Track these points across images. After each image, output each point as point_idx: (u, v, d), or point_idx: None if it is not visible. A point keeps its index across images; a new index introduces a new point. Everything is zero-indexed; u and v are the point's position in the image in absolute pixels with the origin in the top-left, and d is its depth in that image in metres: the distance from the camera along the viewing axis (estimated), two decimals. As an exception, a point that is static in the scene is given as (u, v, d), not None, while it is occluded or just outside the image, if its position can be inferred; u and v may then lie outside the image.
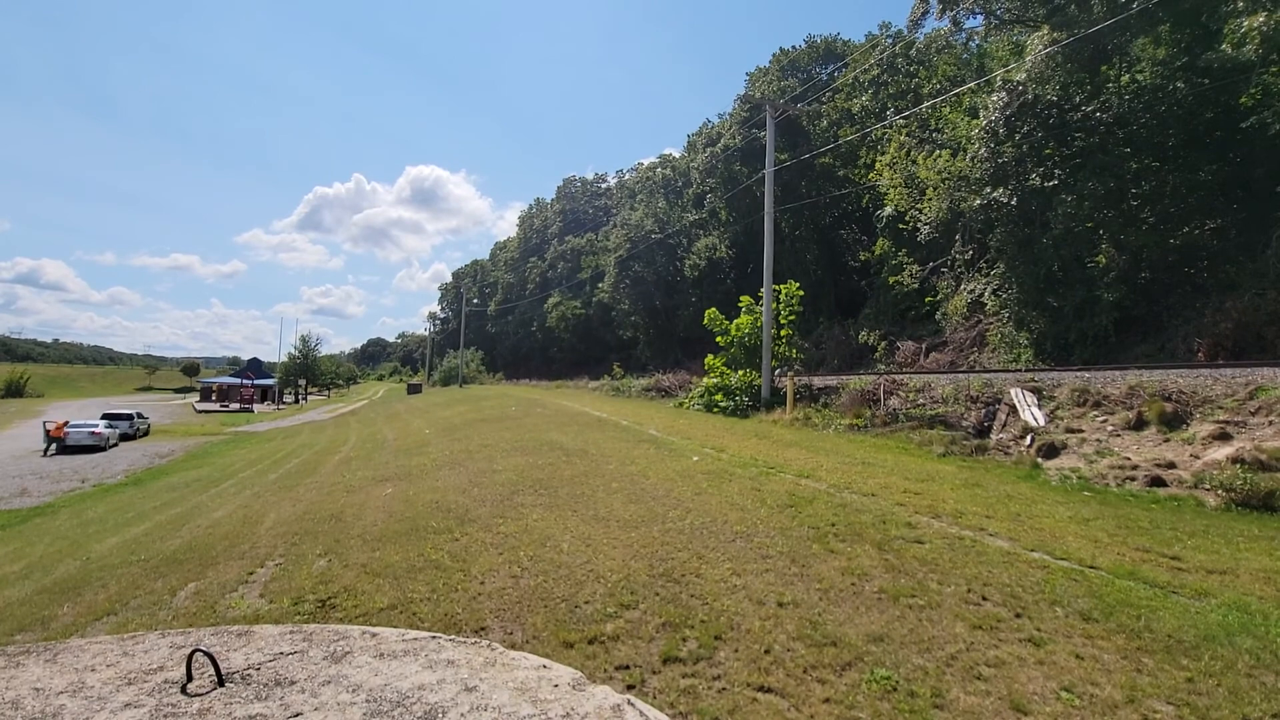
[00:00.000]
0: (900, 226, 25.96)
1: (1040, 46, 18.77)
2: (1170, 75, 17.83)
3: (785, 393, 18.42)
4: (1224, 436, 9.44)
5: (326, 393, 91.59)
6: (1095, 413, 11.50)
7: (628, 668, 4.08)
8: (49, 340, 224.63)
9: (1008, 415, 12.65)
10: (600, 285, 53.27)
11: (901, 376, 18.08)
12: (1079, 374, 13.68)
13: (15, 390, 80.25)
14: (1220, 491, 8.13)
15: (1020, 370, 16.74)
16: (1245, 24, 15.86)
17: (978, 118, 20.85)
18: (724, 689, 3.80)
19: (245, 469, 19.33)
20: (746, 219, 38.04)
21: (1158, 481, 8.98)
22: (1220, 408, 10.10)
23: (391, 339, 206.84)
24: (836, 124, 35.19)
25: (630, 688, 3.84)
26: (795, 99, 33.06)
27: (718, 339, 23.01)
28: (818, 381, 20.05)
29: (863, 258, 33.03)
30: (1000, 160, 19.45)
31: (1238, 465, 8.44)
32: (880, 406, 15.43)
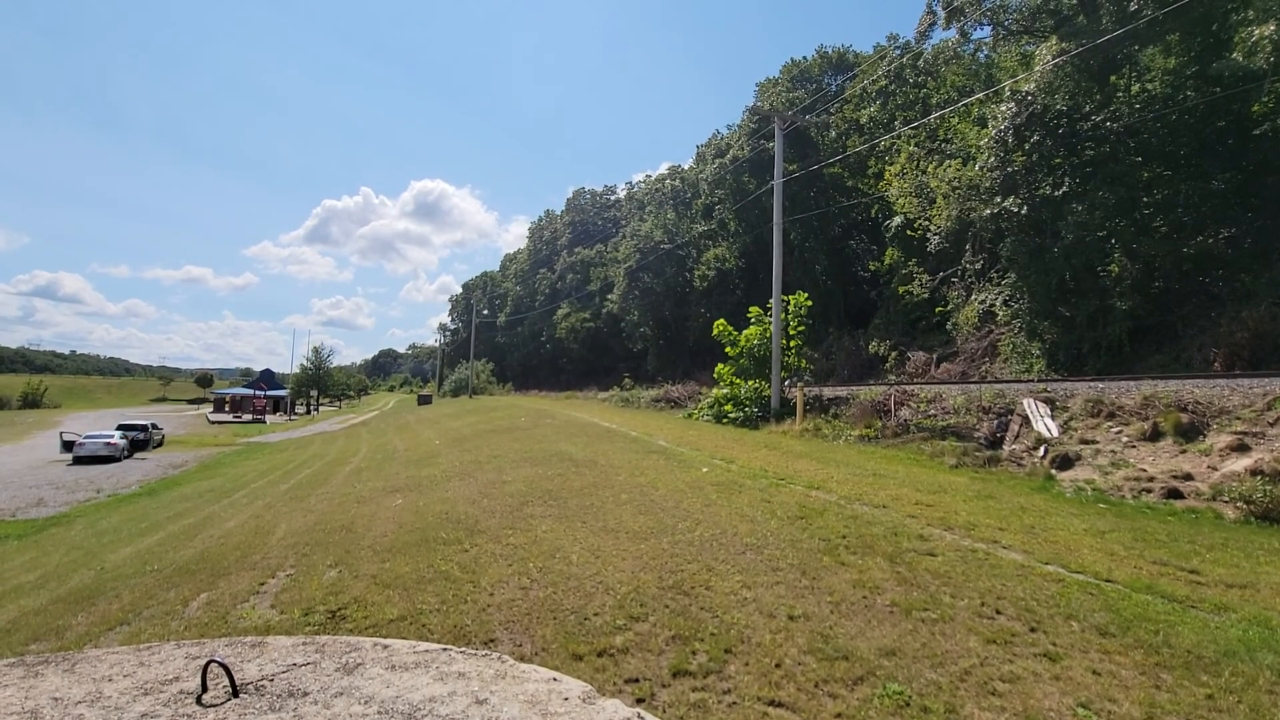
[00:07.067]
0: (909, 234, 25.93)
1: (1049, 57, 18.76)
2: (1180, 84, 17.77)
3: (795, 403, 18.35)
4: (1242, 448, 9.30)
5: (338, 404, 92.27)
6: (1109, 423, 11.37)
7: (637, 681, 4.05)
8: (66, 352, 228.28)
9: (1020, 426, 12.53)
10: (609, 296, 53.45)
11: (912, 387, 17.97)
12: (1092, 384, 13.55)
13: (32, 401, 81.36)
14: (1239, 504, 8.01)
15: (1033, 380, 16.60)
16: (1256, 33, 15.78)
17: (986, 128, 20.84)
18: (734, 703, 3.77)
19: (257, 479, 19.47)
20: (755, 230, 38.12)
21: (1174, 493, 8.86)
22: (1238, 418, 9.96)
23: (402, 350, 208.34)
24: (845, 134, 35.29)
25: (640, 701, 3.82)
26: (804, 110, 33.19)
27: (727, 350, 23.00)
28: (828, 392, 19.97)
29: (872, 268, 32.98)
30: (1010, 170, 19.41)
31: (1257, 477, 8.30)
32: (891, 417, 15.33)
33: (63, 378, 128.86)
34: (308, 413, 75.80)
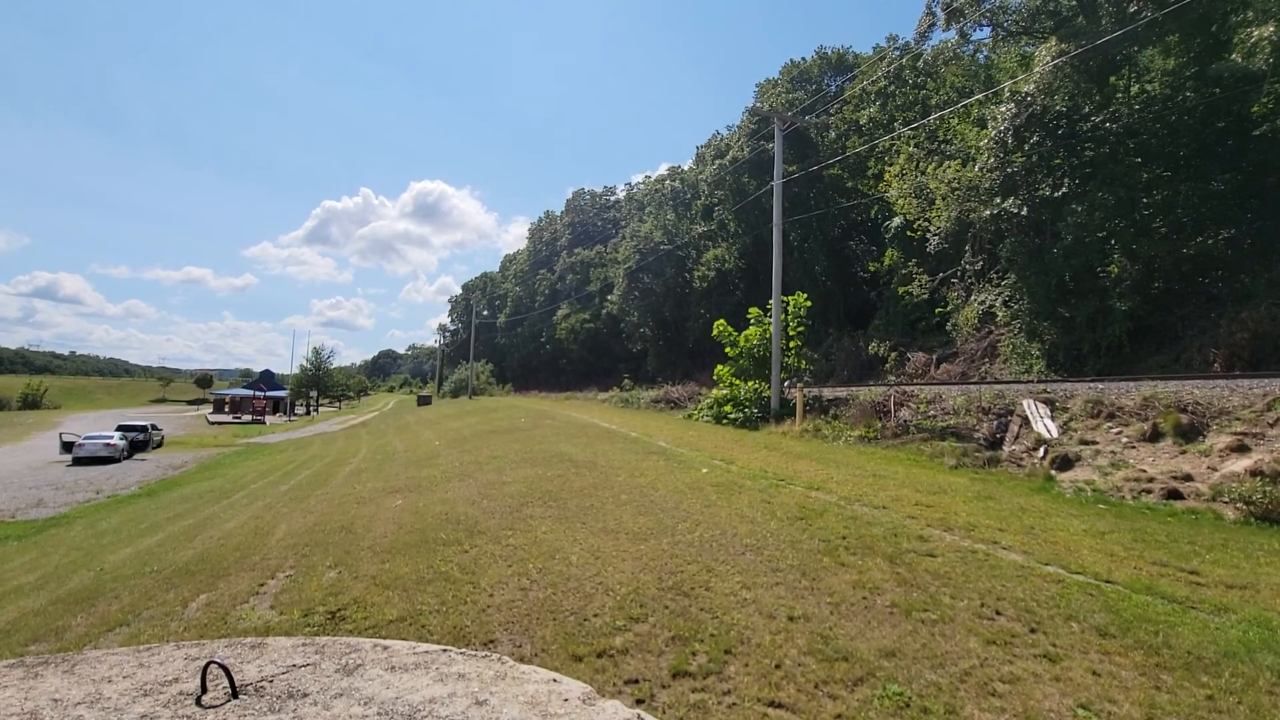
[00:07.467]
0: (909, 234, 25.95)
1: (1048, 58, 18.78)
2: (1180, 85, 17.78)
3: (795, 404, 18.35)
4: (1242, 448, 9.30)
5: (337, 404, 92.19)
6: (1109, 424, 11.37)
7: (637, 682, 4.05)
8: (66, 353, 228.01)
9: (1020, 427, 12.53)
10: (609, 297, 53.48)
11: (912, 388, 17.97)
12: (1092, 385, 13.55)
13: (32, 402, 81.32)
14: (1239, 504, 8.01)
15: (1032, 381, 16.61)
16: (1255, 34, 15.80)
17: (986, 128, 20.85)
18: (734, 704, 3.77)
19: (257, 480, 19.46)
20: (755, 230, 38.13)
21: (1174, 494, 8.86)
22: (1237, 419, 9.96)
23: (402, 351, 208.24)
24: (845, 135, 35.30)
25: (640, 702, 3.82)
26: (804, 111, 33.20)
27: (727, 350, 23.01)
28: (828, 393, 19.97)
29: (872, 269, 33.00)
30: (1009, 170, 19.42)
31: (1257, 478, 8.30)
32: (891, 418, 15.33)
33: (62, 378, 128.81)
34: (307, 413, 75.77)
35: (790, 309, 21.55)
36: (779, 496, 8.99)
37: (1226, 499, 8.25)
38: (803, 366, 23.02)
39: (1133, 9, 16.82)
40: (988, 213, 20.05)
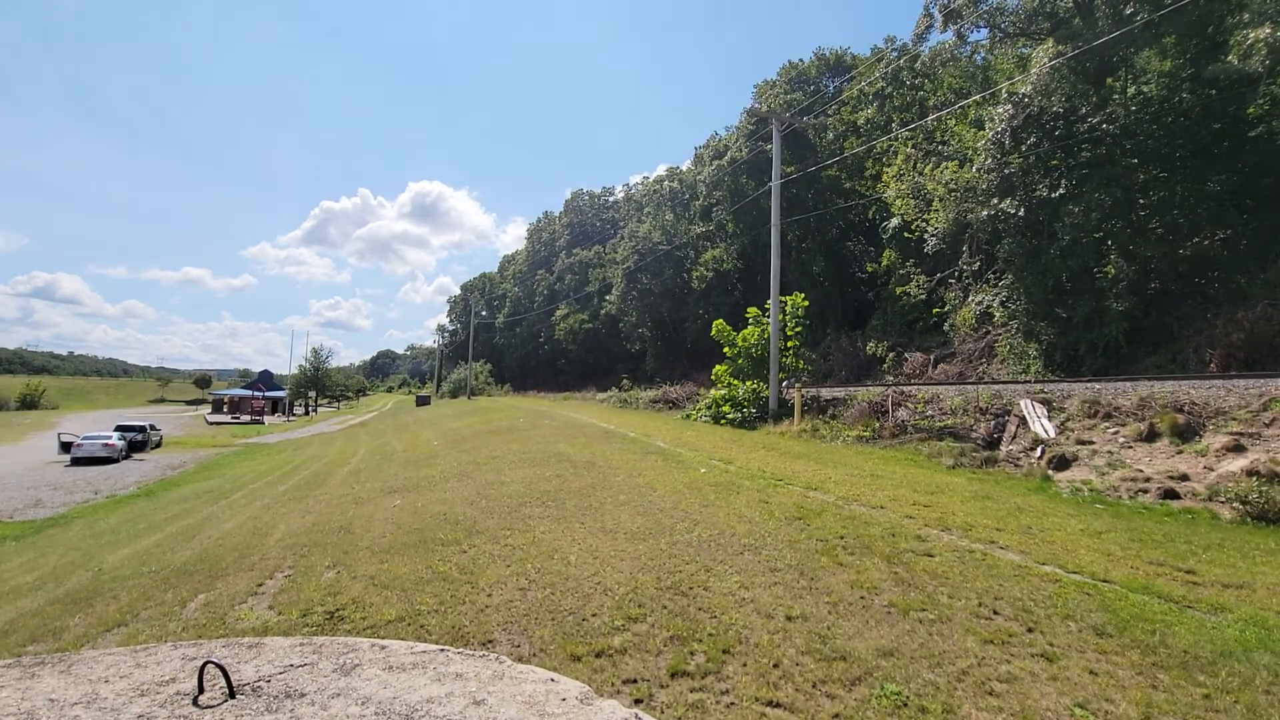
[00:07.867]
0: (907, 235, 25.98)
1: (1045, 59, 18.82)
2: (1176, 87, 17.83)
3: (793, 404, 18.37)
4: (1238, 448, 9.33)
5: (336, 405, 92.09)
6: (1106, 424, 11.39)
7: (635, 681, 4.06)
8: (64, 353, 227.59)
9: (1017, 427, 12.56)
10: (608, 297, 53.49)
11: (910, 388, 17.99)
12: (1089, 385, 13.58)
13: (30, 402, 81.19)
14: (1235, 504, 8.03)
15: (1029, 381, 16.63)
16: (1251, 35, 15.86)
17: (983, 129, 20.89)
18: (732, 704, 3.78)
19: (255, 480, 19.43)
20: (753, 231, 38.14)
21: (1171, 494, 8.88)
22: (1234, 419, 9.99)
23: (400, 351, 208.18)
24: (843, 136, 35.33)
25: (638, 702, 3.82)
26: (802, 112, 33.26)
27: (725, 350, 23.04)
28: (825, 393, 19.99)
29: (869, 269, 33.03)
30: (1007, 171, 19.46)
31: (1253, 478, 8.33)
32: (889, 418, 15.35)
33: (60, 379, 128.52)
34: (306, 414, 75.66)
35: (788, 309, 21.57)
36: (777, 496, 9.00)
37: (1223, 499, 8.28)
38: (801, 366, 23.03)
39: (1129, 10, 16.87)
40: (985, 213, 20.09)
